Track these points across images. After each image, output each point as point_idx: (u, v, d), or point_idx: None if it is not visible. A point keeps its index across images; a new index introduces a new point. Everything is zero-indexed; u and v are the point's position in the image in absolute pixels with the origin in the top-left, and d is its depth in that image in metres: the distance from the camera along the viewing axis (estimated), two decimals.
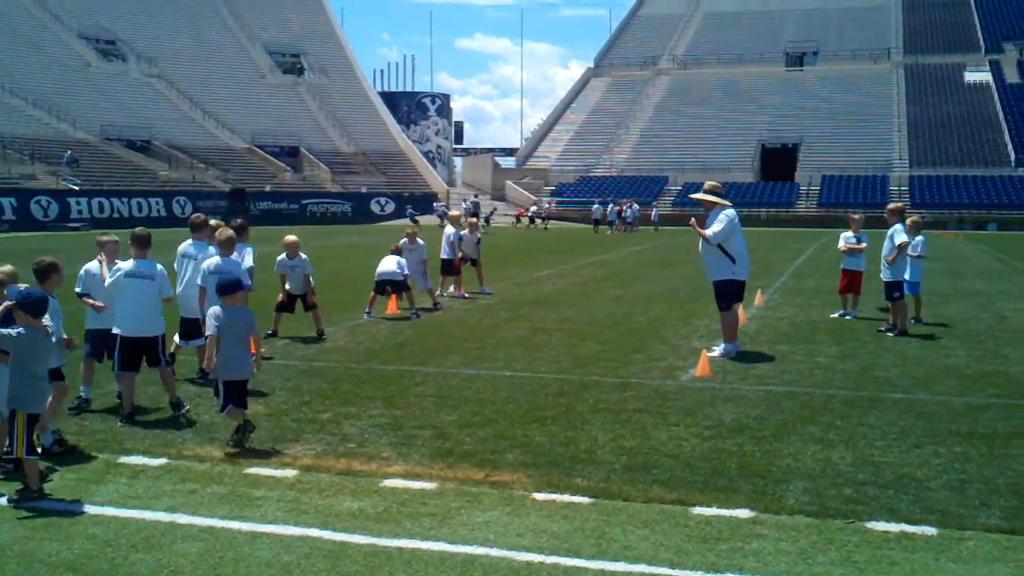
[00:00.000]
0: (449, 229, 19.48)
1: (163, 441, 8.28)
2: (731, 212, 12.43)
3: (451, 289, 19.38)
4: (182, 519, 6.36)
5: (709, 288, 18.32)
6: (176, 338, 10.99)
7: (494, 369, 11.40)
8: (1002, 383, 10.63)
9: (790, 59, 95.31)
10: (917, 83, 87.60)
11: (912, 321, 14.91)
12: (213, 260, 10.54)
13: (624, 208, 59.06)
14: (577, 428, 8.62)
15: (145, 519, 6.35)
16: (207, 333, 8.32)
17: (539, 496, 6.77)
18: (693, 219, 13.08)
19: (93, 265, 9.61)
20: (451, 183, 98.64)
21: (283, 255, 13.92)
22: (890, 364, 11.77)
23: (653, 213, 62.23)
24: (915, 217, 15.27)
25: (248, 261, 12.03)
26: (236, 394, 8.14)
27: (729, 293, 12.44)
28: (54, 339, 7.59)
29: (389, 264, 16.26)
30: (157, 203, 60.37)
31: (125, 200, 58.53)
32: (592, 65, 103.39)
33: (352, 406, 9.49)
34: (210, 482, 7.15)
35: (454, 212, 22.88)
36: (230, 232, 10.87)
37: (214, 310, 8.23)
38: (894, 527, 6.15)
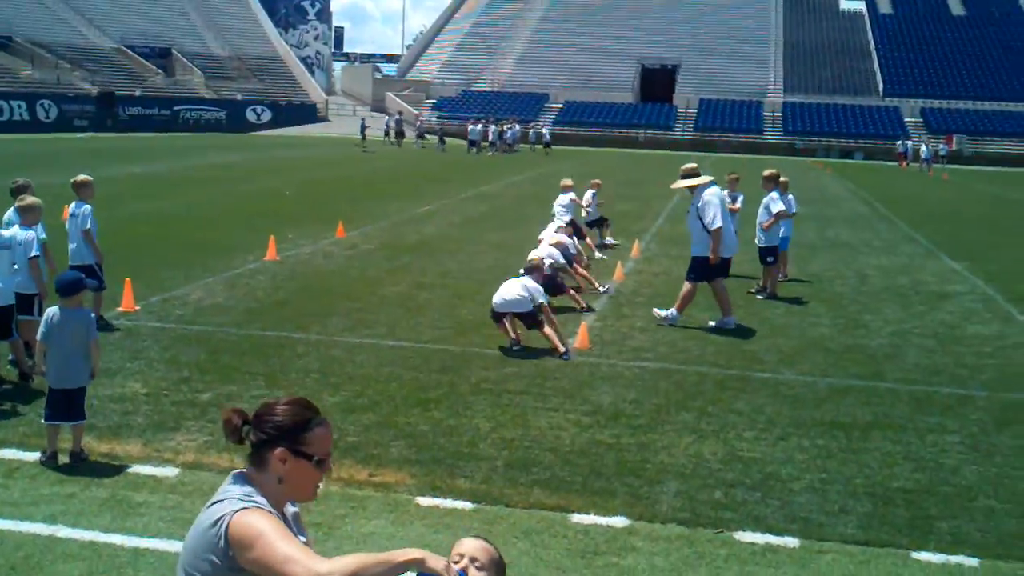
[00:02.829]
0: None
1: (38, 429, 8.05)
2: (715, 190, 12.45)
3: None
4: (62, 532, 6.27)
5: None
6: None
7: (377, 337, 11.43)
8: (862, 360, 11.20)
9: None
10: (795, 7, 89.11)
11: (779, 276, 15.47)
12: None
13: (505, 128, 58.96)
14: (459, 415, 8.77)
15: (23, 532, 6.24)
16: (37, 338, 7.57)
17: (423, 501, 6.91)
18: (712, 258, 12.28)
19: None
20: (330, 91, 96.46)
21: None
22: (759, 335, 12.25)
23: (539, 132, 61.50)
24: (784, 177, 15.73)
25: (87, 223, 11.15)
26: (65, 404, 7.41)
27: (704, 269, 12.38)
28: None
29: (512, 289, 11.06)
30: (19, 106, 57.53)
31: None
32: None
33: (233, 383, 9.42)
34: (89, 484, 7.04)
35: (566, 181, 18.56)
36: (32, 200, 9.85)
37: (50, 312, 7.48)
38: (760, 538, 6.50)
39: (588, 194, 19.42)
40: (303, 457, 2.92)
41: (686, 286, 12.60)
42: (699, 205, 12.34)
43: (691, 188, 12.58)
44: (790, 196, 15.76)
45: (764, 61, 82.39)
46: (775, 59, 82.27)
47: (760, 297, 14.54)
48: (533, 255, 12.85)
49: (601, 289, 14.43)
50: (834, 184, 41.03)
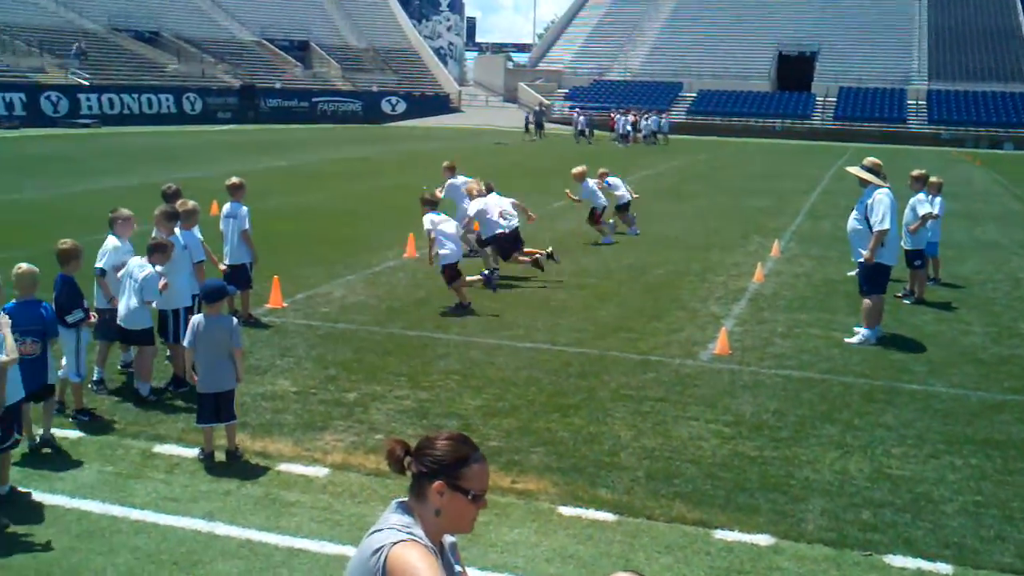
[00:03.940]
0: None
1: (196, 426, 8.43)
2: (888, 192, 11.63)
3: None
4: (220, 529, 6.56)
5: (725, 233, 18.32)
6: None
7: (515, 339, 11.53)
8: (1017, 373, 10.72)
9: None
10: None
11: (929, 282, 14.93)
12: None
13: (639, 119, 58.26)
14: (599, 422, 8.78)
15: (185, 529, 6.56)
16: (184, 344, 8.04)
17: (565, 511, 6.96)
18: (865, 256, 11.60)
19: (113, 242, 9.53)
20: (462, 82, 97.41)
21: None
22: (906, 343, 11.85)
23: (663, 122, 60.22)
24: (935, 178, 15.17)
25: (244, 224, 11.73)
26: (214, 407, 7.79)
27: (876, 277, 11.72)
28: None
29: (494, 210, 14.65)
30: (167, 99, 59.88)
31: (135, 96, 58.04)
32: None
33: (377, 383, 9.65)
34: (244, 482, 7.34)
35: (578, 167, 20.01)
36: (192, 204, 10.42)
37: (195, 319, 7.89)
38: (911, 563, 6.33)
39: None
40: (460, 492, 3.02)
41: (865, 302, 11.84)
42: (868, 203, 11.54)
43: (863, 181, 11.86)
44: (938, 198, 15.20)
45: (907, 46, 79.51)
46: (919, 44, 79.31)
47: (907, 302, 14.08)
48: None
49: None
50: (981, 179, 39.28)
